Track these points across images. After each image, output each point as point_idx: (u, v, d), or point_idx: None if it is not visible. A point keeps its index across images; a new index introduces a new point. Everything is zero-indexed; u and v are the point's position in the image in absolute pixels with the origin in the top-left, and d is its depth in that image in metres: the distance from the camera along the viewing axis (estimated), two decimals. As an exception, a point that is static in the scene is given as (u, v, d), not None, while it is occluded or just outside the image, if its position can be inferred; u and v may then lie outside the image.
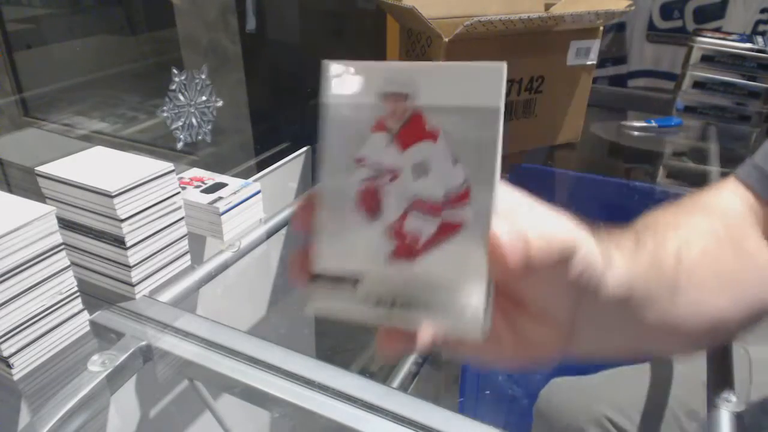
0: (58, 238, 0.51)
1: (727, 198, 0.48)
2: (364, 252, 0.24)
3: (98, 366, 0.51)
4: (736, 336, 0.46)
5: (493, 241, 0.22)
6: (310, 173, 1.00)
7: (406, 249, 0.24)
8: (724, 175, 0.83)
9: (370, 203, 0.24)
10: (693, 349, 0.44)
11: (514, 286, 0.27)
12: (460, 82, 0.23)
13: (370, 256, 0.24)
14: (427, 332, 0.25)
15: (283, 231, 0.81)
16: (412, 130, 0.23)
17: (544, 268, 0.24)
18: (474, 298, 0.23)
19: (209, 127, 0.77)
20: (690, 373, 0.63)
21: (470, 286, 0.23)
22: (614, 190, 0.99)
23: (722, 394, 0.49)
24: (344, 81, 0.24)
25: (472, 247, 0.23)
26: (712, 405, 0.48)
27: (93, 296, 0.59)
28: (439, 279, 0.23)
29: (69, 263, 0.53)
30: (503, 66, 0.22)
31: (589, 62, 0.98)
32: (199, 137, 0.76)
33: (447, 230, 0.23)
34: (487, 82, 0.23)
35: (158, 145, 0.81)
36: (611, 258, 0.30)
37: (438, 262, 0.23)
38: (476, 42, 0.86)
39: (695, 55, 1.15)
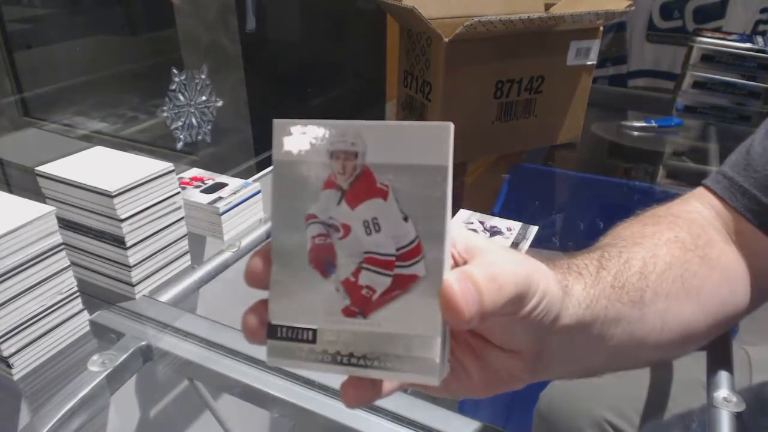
0: (58, 238, 0.51)
1: (694, 206, 0.48)
2: (319, 308, 0.25)
3: (98, 366, 0.51)
4: (703, 344, 0.46)
5: (447, 291, 0.23)
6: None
7: (360, 304, 0.24)
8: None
9: (323, 260, 0.25)
10: (662, 359, 0.45)
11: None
12: (408, 140, 0.24)
13: (324, 311, 0.25)
14: (388, 382, 0.27)
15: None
16: (362, 187, 0.24)
17: (497, 310, 0.24)
18: (429, 349, 0.23)
19: (209, 127, 0.77)
20: (690, 374, 0.63)
21: (425, 338, 0.24)
22: (614, 190, 0.99)
23: (722, 394, 0.49)
24: (294, 139, 0.25)
25: (426, 300, 0.23)
26: (712, 406, 0.48)
27: (93, 296, 0.59)
28: (394, 332, 0.24)
29: (69, 263, 0.53)
30: (450, 126, 0.23)
31: (589, 62, 0.98)
32: (199, 137, 0.76)
33: (400, 284, 0.24)
34: (434, 141, 0.23)
35: (158, 145, 0.81)
36: (569, 287, 0.31)
37: (392, 315, 0.24)
38: (476, 42, 0.86)
39: (695, 55, 1.15)
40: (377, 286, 0.24)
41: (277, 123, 0.25)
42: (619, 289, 0.36)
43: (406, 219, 0.24)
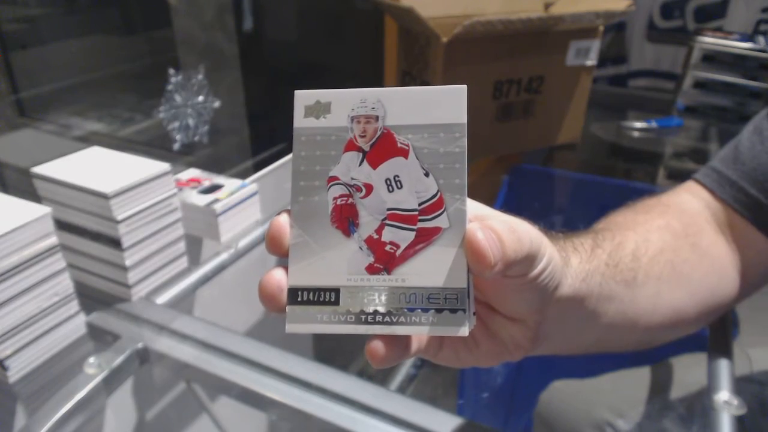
0: (54, 239, 0.51)
1: (685, 197, 0.49)
2: (342, 267, 0.25)
3: (95, 368, 0.51)
4: (692, 330, 0.47)
5: (471, 239, 0.23)
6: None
7: (384, 260, 0.25)
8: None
9: (345, 219, 0.25)
10: (653, 343, 0.46)
11: (484, 290, 0.29)
12: (426, 102, 0.25)
13: (347, 270, 0.25)
14: (416, 338, 0.27)
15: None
16: (383, 148, 0.25)
17: (515, 265, 0.25)
18: (457, 300, 0.24)
19: (206, 127, 0.76)
20: (690, 375, 0.63)
21: (452, 289, 0.24)
22: (614, 191, 0.98)
23: (723, 397, 0.48)
24: (315, 107, 0.26)
25: (450, 250, 0.24)
26: (712, 408, 0.48)
27: (89, 298, 0.58)
28: (420, 285, 0.24)
29: (65, 265, 0.52)
30: (464, 88, 0.25)
31: (588, 62, 0.98)
32: (196, 138, 0.76)
33: (424, 237, 0.25)
34: (451, 102, 0.25)
35: (155, 145, 0.81)
36: (568, 258, 0.32)
37: (417, 269, 0.24)
38: (475, 42, 0.86)
39: (696, 55, 1.14)
40: (401, 241, 0.25)
41: (299, 93, 0.26)
42: (613, 268, 0.37)
43: (427, 174, 0.25)
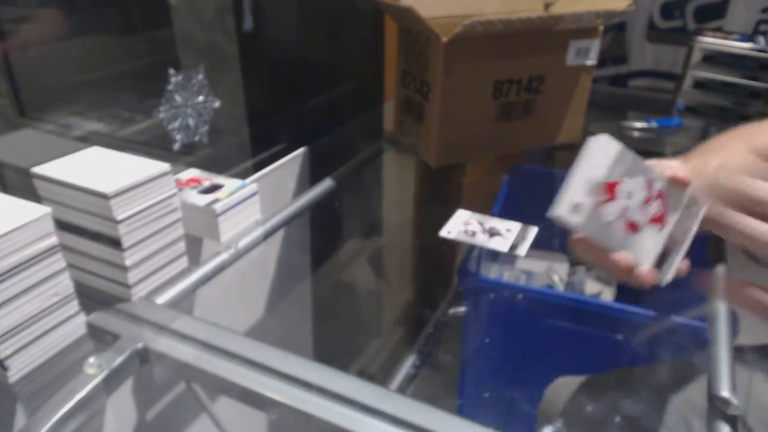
0: (54, 239, 0.51)
1: None
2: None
3: (94, 368, 0.51)
4: None
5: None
6: (307, 174, 0.99)
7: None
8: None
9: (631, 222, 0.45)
10: None
11: None
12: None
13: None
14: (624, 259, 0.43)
15: (281, 232, 0.81)
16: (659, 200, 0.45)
17: None
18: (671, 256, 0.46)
19: (206, 127, 0.76)
20: (691, 375, 0.63)
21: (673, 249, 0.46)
22: (614, 190, 0.98)
23: (723, 396, 0.48)
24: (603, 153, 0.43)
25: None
26: (713, 407, 0.48)
27: (89, 298, 0.58)
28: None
29: (65, 265, 0.52)
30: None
31: (588, 62, 0.98)
32: (196, 138, 0.76)
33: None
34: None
35: (155, 145, 0.81)
36: None
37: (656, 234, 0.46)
38: (475, 42, 0.86)
39: (696, 55, 1.15)
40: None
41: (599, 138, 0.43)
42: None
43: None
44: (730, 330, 0.58)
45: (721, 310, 0.61)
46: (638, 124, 1.16)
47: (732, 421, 0.47)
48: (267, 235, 0.75)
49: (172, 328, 0.56)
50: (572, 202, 0.45)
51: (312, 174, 0.99)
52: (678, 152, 1.14)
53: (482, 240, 0.73)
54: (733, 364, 0.53)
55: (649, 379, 0.66)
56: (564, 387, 0.71)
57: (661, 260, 0.46)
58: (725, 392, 0.49)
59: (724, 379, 0.51)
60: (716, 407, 0.48)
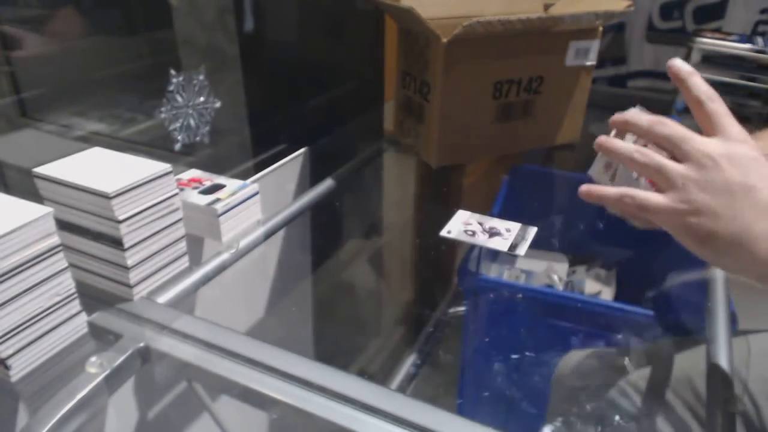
0: (56, 239, 0.51)
1: None
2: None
3: (96, 367, 0.51)
4: None
5: None
6: (308, 174, 1.00)
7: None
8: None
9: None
10: None
11: None
12: None
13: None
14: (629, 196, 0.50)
15: (281, 232, 0.81)
16: None
17: None
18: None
19: (207, 128, 0.77)
20: (691, 372, 0.63)
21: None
22: (614, 190, 0.98)
23: (722, 392, 0.49)
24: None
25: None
26: (712, 402, 0.48)
27: (91, 298, 0.59)
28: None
29: (67, 264, 0.53)
30: None
31: (588, 63, 0.98)
32: (197, 138, 0.76)
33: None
34: None
35: (156, 146, 0.81)
36: None
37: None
38: (475, 43, 0.86)
39: (695, 56, 1.15)
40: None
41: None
42: None
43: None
44: (729, 328, 0.58)
45: (720, 304, 0.61)
46: (638, 125, 1.16)
47: (731, 417, 0.47)
48: (268, 235, 0.76)
49: (173, 328, 0.56)
50: (605, 162, 0.58)
51: (312, 174, 0.99)
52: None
53: (482, 240, 0.74)
54: (732, 358, 0.53)
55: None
56: (577, 357, 0.71)
57: None
58: (725, 390, 0.49)
59: (724, 378, 0.51)
60: (715, 403, 0.48)
